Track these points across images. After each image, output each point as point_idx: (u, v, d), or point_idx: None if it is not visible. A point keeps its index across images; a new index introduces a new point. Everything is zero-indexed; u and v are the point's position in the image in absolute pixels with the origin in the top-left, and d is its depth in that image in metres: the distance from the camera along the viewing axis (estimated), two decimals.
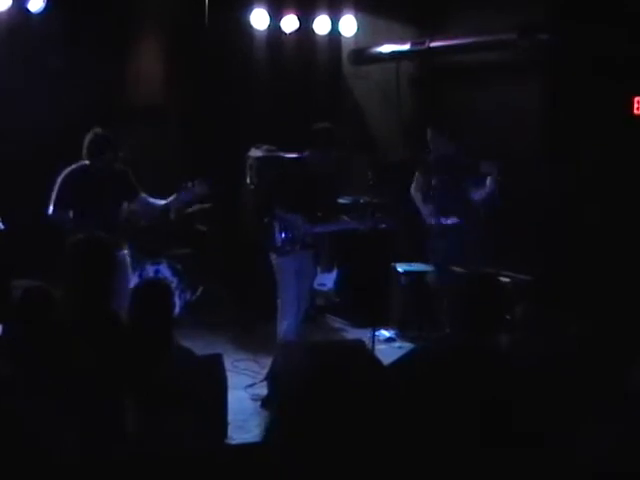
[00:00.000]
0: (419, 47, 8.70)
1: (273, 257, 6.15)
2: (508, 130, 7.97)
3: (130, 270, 6.40)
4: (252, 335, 7.47)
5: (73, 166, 6.12)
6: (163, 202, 6.32)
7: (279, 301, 6.16)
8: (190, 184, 6.13)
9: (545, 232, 7.51)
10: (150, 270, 7.58)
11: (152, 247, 7.60)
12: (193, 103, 8.49)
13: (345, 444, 2.02)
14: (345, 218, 6.48)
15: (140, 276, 7.24)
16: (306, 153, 6.19)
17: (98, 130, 6.05)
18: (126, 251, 6.20)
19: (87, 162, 6.08)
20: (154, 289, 4.23)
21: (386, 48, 9.09)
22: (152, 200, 6.32)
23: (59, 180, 6.06)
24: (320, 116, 6.73)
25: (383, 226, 7.18)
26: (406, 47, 8.88)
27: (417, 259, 7.98)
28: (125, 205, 6.32)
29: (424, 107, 9.25)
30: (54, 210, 6.06)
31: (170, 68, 8.60)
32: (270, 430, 2.21)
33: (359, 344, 2.67)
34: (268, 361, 6.27)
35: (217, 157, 8.12)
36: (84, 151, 6.06)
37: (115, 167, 6.16)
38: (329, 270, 7.85)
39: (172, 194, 6.25)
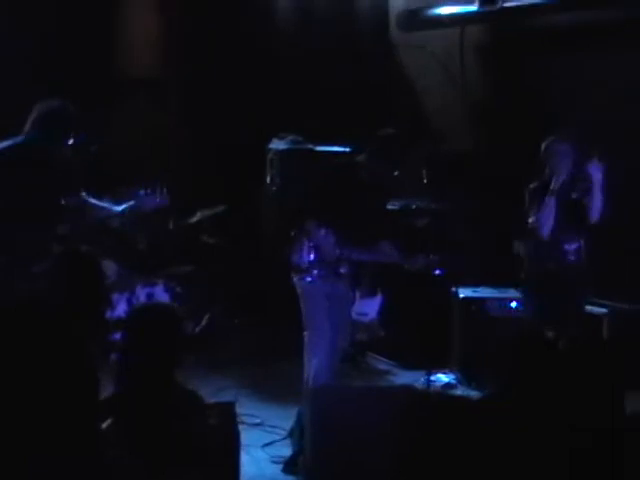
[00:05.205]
0: (490, 7, 8.57)
1: (296, 279, 6.07)
2: (607, 110, 7.74)
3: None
4: (271, 378, 7.43)
5: None
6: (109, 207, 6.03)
7: (306, 334, 6.04)
8: (145, 191, 5.95)
9: None
10: (142, 293, 7.58)
11: (144, 264, 7.64)
12: (196, 75, 8.48)
13: None
14: (388, 248, 6.14)
15: (129, 301, 7.36)
16: (362, 156, 6.11)
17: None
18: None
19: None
20: (152, 317, 4.09)
21: (447, 9, 8.95)
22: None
23: None
24: (361, 100, 6.54)
25: (437, 272, 6.92)
26: (473, 7, 8.72)
27: (486, 281, 7.76)
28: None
29: (496, 84, 9.01)
30: None
31: (168, 29, 8.68)
32: None
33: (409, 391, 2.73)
34: (292, 412, 6.12)
35: (228, 146, 8.18)
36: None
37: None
38: (371, 295, 7.82)
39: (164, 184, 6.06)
